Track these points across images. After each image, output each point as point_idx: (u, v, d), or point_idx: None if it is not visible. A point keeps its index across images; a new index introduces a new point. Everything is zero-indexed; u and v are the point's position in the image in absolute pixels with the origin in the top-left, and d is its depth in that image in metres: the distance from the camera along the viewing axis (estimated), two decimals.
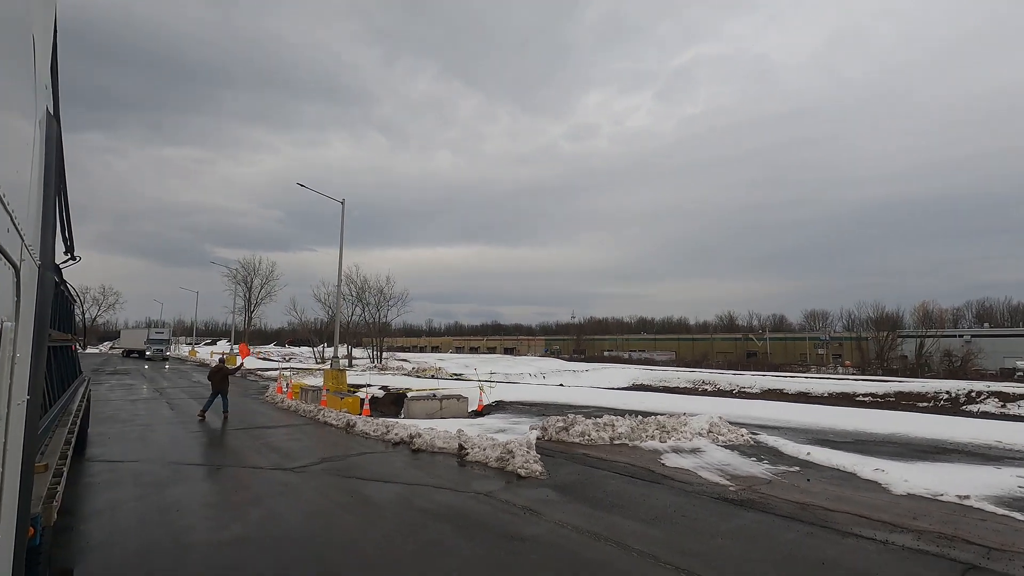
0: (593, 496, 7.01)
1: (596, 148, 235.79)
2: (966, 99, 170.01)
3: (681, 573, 4.61)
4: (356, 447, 10.50)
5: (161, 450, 9.89)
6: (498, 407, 17.16)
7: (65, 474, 3.70)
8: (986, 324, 73.58)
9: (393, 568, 4.71)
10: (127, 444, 10.34)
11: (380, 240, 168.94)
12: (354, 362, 48.61)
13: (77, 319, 10.69)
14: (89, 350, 66.74)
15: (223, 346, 63.77)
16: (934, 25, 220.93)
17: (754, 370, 48.96)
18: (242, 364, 24.35)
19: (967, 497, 6.85)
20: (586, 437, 10.60)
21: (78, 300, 10.33)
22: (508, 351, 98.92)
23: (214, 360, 18.51)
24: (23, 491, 1.91)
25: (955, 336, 58.20)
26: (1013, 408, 22.42)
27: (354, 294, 55.57)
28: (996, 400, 23.73)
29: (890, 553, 5.11)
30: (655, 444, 10.29)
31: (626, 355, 78.46)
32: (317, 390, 17.46)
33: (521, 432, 11.30)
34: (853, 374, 46.20)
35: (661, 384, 36.77)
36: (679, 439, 10.55)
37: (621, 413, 12.14)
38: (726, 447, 10.17)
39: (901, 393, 27.07)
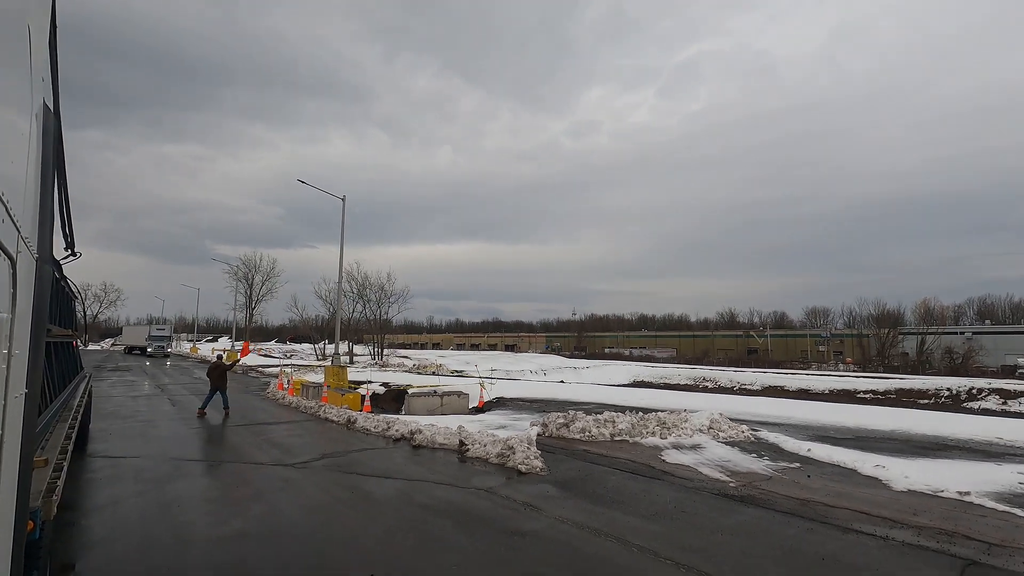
0: (594, 492, 7.02)
1: (597, 145, 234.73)
2: (970, 95, 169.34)
3: (681, 568, 4.61)
4: (357, 443, 10.52)
5: (162, 446, 9.92)
6: (499, 404, 17.19)
7: (65, 469, 3.71)
8: (987, 321, 73.44)
9: (393, 563, 4.71)
10: (128, 440, 10.38)
11: (381, 237, 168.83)
12: (355, 359, 48.68)
13: (78, 316, 10.70)
14: (91, 347, 66.94)
15: (224, 343, 63.91)
16: (937, 20, 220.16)
17: (755, 367, 48.96)
18: (239, 360, 24.45)
19: (968, 493, 6.85)
20: (587, 433, 10.61)
21: (79, 297, 10.33)
22: (509, 348, 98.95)
23: (213, 357, 18.57)
24: (22, 485, 1.91)
25: (956, 333, 57.97)
26: (1014, 405, 22.38)
27: (355, 291, 55.78)
28: (997, 397, 23.70)
29: (890, 549, 5.11)
30: (656, 440, 10.30)
31: (627, 352, 78.35)
32: (318, 386, 17.47)
33: (522, 428, 11.31)
34: (854, 371, 46.12)
35: (662, 381, 36.78)
36: (680, 435, 10.55)
37: (622, 409, 12.14)
38: (727, 443, 10.18)
39: (902, 390, 27.05)
